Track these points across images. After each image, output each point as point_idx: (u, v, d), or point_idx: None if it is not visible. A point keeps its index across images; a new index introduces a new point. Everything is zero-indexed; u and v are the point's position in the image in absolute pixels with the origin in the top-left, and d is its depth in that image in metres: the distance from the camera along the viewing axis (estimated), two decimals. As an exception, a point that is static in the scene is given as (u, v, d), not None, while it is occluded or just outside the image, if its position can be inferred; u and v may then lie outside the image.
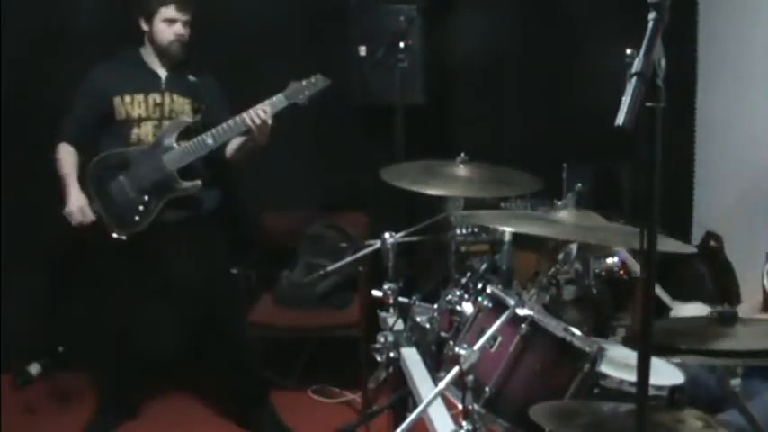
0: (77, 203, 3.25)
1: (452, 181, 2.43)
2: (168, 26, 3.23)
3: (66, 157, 3.31)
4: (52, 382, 3.91)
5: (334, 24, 3.95)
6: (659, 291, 2.42)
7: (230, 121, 3.19)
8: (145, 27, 3.27)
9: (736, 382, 2.18)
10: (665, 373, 2.10)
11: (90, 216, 3.24)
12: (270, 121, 3.16)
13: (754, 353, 1.55)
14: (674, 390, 1.53)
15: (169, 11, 3.22)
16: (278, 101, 3.19)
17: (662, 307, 2.52)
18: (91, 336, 3.77)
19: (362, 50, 3.85)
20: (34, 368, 3.93)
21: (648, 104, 1.19)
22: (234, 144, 3.32)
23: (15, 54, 3.84)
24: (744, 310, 2.42)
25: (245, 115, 3.16)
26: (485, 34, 4.10)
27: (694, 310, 2.36)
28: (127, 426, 3.55)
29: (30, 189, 3.87)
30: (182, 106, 3.31)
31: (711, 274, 3.61)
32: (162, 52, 3.28)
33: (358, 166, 3.86)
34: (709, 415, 1.51)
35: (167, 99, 3.29)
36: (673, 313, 2.40)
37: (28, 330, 3.98)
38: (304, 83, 3.22)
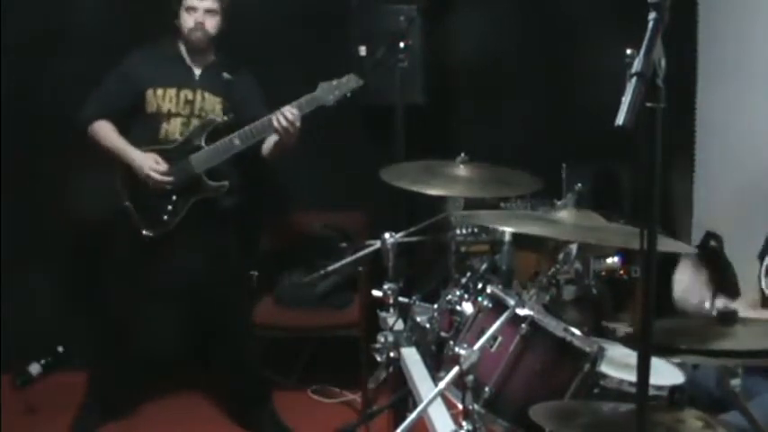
0: (148, 161, 3.21)
1: (452, 181, 2.43)
2: (189, 14, 3.23)
3: (108, 130, 3.29)
4: (52, 382, 3.91)
5: (335, 24, 3.95)
6: None
7: (258, 123, 3.17)
8: (176, 22, 3.27)
9: (736, 382, 2.18)
10: (665, 373, 2.10)
11: (165, 166, 3.21)
12: (298, 123, 3.13)
13: (754, 353, 1.55)
14: (673, 390, 1.53)
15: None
16: (306, 102, 3.17)
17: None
18: (90, 335, 3.77)
19: (362, 50, 3.84)
20: (34, 368, 3.93)
21: (648, 104, 1.19)
22: (269, 142, 3.30)
23: (15, 54, 3.84)
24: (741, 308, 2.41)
25: (272, 116, 3.14)
26: (485, 34, 4.10)
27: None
28: (128, 426, 3.55)
29: (30, 189, 3.88)
30: (212, 105, 3.30)
31: (711, 274, 3.60)
32: (187, 42, 3.28)
33: (358, 166, 3.85)
34: (709, 414, 1.51)
35: (198, 96, 3.28)
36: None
37: (28, 330, 3.98)
38: (335, 83, 3.20)
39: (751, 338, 1.58)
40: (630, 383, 1.97)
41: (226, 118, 3.29)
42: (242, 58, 3.43)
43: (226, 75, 3.31)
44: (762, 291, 2.46)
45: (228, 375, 3.62)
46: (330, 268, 3.03)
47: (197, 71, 3.31)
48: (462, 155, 2.47)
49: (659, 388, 1.86)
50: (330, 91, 3.19)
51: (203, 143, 3.23)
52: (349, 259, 2.91)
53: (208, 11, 3.23)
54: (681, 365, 2.14)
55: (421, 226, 2.62)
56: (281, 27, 4.04)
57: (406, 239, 2.54)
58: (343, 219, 4.09)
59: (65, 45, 3.85)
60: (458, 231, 3.47)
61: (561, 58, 4.10)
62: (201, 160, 3.22)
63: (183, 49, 3.31)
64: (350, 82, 3.21)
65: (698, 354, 1.56)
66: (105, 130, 3.28)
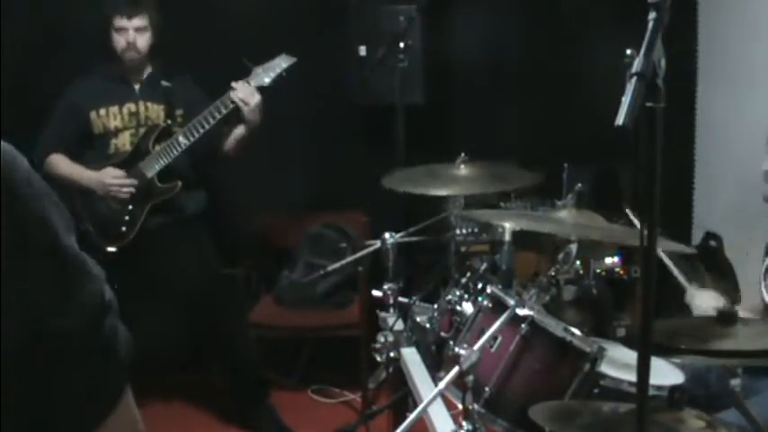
0: (104, 177, 3.23)
1: (453, 181, 2.44)
2: (120, 35, 3.24)
3: (61, 160, 3.33)
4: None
5: (334, 24, 3.94)
6: (675, 271, 2.40)
7: (199, 116, 3.20)
8: (109, 44, 3.27)
9: (736, 382, 2.18)
10: (665, 373, 2.10)
11: (122, 172, 3.24)
12: (256, 99, 3.17)
13: (754, 353, 1.55)
14: (673, 390, 1.53)
15: (118, 20, 3.21)
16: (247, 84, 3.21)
17: (676, 289, 2.46)
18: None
19: (362, 50, 3.84)
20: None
21: (648, 104, 1.19)
22: (232, 137, 3.33)
23: (15, 54, 3.83)
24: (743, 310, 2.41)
25: (218, 102, 3.18)
26: (485, 34, 4.10)
27: (709, 298, 2.33)
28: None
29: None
30: (156, 113, 3.34)
31: (711, 274, 3.61)
32: (121, 62, 3.29)
33: (358, 166, 3.86)
34: (708, 412, 1.52)
35: (142, 107, 3.32)
36: (688, 296, 2.38)
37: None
38: (267, 64, 3.25)
39: (751, 338, 1.58)
40: (630, 383, 1.98)
41: (170, 122, 3.31)
42: (181, 63, 3.45)
43: (164, 82, 3.33)
44: (764, 301, 2.45)
45: (226, 376, 3.62)
46: (330, 268, 3.03)
47: (136, 85, 3.34)
48: (462, 155, 2.48)
49: (659, 388, 1.86)
50: (264, 73, 3.23)
51: (151, 148, 3.26)
52: (349, 259, 2.92)
53: (137, 29, 3.24)
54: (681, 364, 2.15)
55: (421, 226, 2.63)
56: (281, 27, 4.03)
57: (406, 239, 2.54)
58: (343, 219, 4.08)
59: (65, 45, 3.84)
60: (458, 231, 3.48)
61: (561, 57, 4.10)
62: (150, 164, 3.25)
63: (119, 68, 3.33)
64: (282, 61, 3.26)
65: (698, 354, 1.56)
66: (59, 161, 3.32)
